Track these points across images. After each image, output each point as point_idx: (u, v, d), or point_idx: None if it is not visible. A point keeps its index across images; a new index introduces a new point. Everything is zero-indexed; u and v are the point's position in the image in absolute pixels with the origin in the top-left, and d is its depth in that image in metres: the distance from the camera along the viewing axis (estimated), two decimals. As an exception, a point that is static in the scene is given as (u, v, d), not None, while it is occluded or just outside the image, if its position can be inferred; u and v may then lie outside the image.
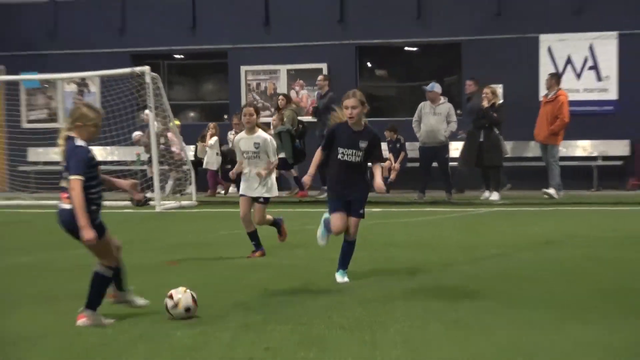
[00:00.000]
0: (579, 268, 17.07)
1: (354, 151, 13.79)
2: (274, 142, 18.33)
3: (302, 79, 35.52)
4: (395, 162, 33.69)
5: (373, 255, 18.30)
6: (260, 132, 18.09)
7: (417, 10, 34.71)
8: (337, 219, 13.90)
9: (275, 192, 18.34)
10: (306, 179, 14.15)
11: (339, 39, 34.93)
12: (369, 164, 14.24)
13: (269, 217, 18.59)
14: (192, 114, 39.32)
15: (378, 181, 13.79)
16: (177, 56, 37.06)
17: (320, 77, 33.05)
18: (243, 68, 35.85)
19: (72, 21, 36.85)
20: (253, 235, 18.45)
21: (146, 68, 30.67)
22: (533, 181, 32.02)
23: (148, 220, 27.96)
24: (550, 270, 16.78)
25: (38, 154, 36.62)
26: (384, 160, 16.04)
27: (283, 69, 35.68)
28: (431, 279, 15.05)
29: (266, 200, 18.03)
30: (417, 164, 32.12)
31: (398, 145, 33.96)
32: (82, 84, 36.45)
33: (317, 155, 14.09)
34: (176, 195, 32.24)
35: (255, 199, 17.95)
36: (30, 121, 37.02)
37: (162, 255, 20.09)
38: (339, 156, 13.88)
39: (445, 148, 30.84)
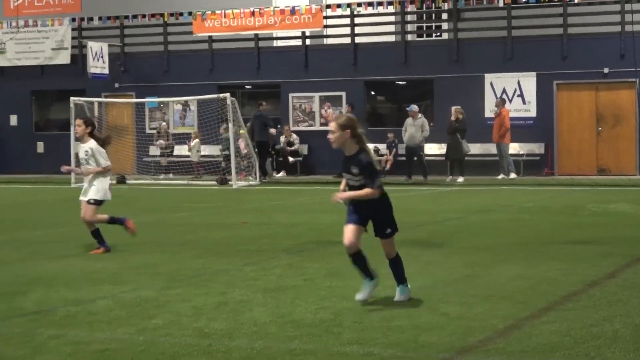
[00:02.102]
0: (508, 226, 17.91)
1: (350, 176, 9.88)
2: None
3: (329, 101, 35.58)
4: (390, 155, 34.16)
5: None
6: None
7: (404, 58, 34.86)
8: (347, 232, 9.79)
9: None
10: (337, 196, 9.99)
11: (352, 76, 35.06)
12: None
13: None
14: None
15: (341, 192, 10.06)
16: (247, 87, 37.27)
17: (347, 107, 33.54)
18: (290, 95, 35.94)
19: (178, 63, 36.97)
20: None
21: (227, 95, 31.34)
22: (487, 169, 32.35)
23: (228, 193, 28.48)
24: (490, 228, 17.52)
25: (155, 149, 36.68)
26: (376, 187, 9.64)
27: (316, 95, 35.70)
28: (409, 233, 15.43)
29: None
30: (404, 158, 32.79)
31: (393, 144, 34.36)
32: (185, 104, 36.53)
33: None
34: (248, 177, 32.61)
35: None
36: (151, 128, 37.16)
37: (236, 217, 20.73)
38: (346, 180, 10.09)
39: (421, 147, 31.60)
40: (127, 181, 32.54)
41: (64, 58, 37.68)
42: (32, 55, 38.18)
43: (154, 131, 36.63)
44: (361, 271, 10.05)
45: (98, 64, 36.37)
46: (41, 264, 13.53)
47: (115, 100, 36.60)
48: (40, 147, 37.89)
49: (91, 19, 38.02)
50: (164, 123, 36.76)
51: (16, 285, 11.61)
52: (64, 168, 16.59)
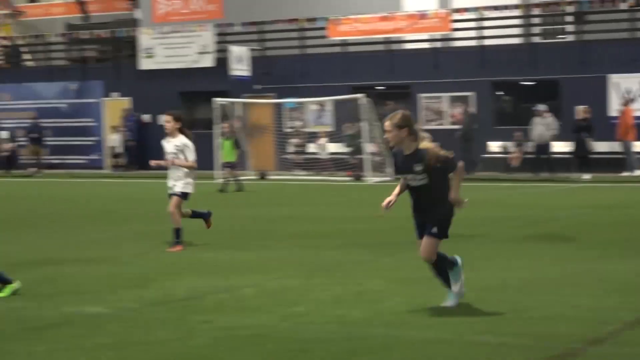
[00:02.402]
0: (637, 221, 17.40)
1: (413, 175, 9.04)
2: None
3: (457, 101, 35.13)
4: (518, 153, 33.46)
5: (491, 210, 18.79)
6: None
7: (531, 59, 34.33)
8: (418, 246, 9.25)
9: None
10: (385, 202, 9.44)
11: (480, 77, 34.67)
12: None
13: None
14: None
15: (452, 195, 9.08)
16: (379, 87, 37.19)
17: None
18: (420, 95, 35.70)
19: (314, 66, 37.11)
20: None
21: (362, 95, 31.39)
22: (612, 167, 31.62)
23: (363, 188, 28.51)
24: (618, 223, 17.33)
25: (296, 146, 36.89)
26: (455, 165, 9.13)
27: (445, 95, 35.40)
28: (541, 228, 15.32)
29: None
30: (532, 155, 32.42)
31: (521, 142, 33.62)
32: (321, 104, 36.63)
33: (401, 180, 9.42)
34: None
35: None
36: (288, 127, 37.26)
37: (372, 210, 20.76)
38: (406, 181, 9.28)
39: (549, 145, 31.36)
40: (268, 177, 32.84)
41: (208, 61, 38.21)
42: (178, 59, 38.77)
43: (292, 130, 36.85)
44: (443, 281, 9.34)
45: (240, 66, 36.78)
46: (193, 253, 13.79)
47: (256, 101, 36.94)
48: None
49: (233, 24, 38.54)
50: (299, 122, 36.96)
51: (169, 273, 11.88)
52: (153, 162, 16.06)
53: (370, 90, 34.55)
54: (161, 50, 38.99)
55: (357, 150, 32.53)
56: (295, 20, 37.34)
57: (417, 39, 37.26)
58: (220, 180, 27.58)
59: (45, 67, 42.96)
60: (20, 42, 44.50)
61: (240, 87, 36.89)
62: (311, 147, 36.25)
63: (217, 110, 33.91)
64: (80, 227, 17.98)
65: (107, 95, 40.32)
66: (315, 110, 36.96)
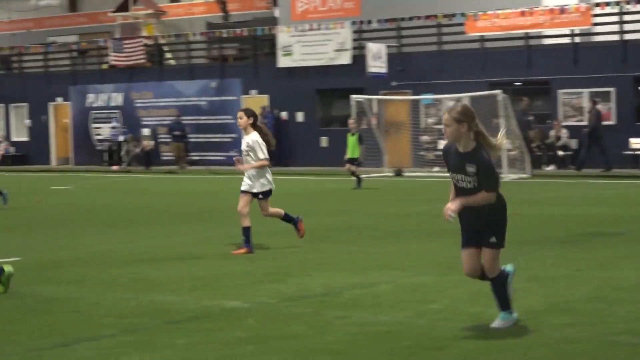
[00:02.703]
0: None
1: (462, 176, 8.02)
2: None
3: (598, 97, 34.42)
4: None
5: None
6: None
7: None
8: (464, 257, 8.22)
9: None
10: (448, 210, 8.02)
11: (622, 72, 33.91)
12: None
13: None
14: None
15: (460, 200, 8.01)
16: (517, 83, 36.73)
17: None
18: (559, 91, 35.13)
19: (451, 62, 36.85)
20: None
21: (499, 91, 31.13)
22: None
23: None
24: None
25: (427, 143, 36.67)
26: (494, 189, 8.01)
27: (586, 91, 34.74)
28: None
29: None
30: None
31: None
32: (458, 101, 36.35)
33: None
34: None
35: None
36: (425, 123, 37.15)
37: (509, 208, 20.50)
38: (454, 182, 8.21)
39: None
40: (404, 174, 32.78)
41: (346, 58, 38.29)
42: (316, 56, 38.95)
43: (424, 127, 36.70)
44: (499, 301, 8.26)
45: (377, 63, 36.78)
46: (328, 250, 13.87)
47: (393, 98, 36.93)
48: (324, 141, 38.68)
49: (370, 21, 38.58)
50: (430, 119, 36.79)
51: (306, 269, 11.98)
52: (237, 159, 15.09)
53: (507, 86, 34.18)
54: (299, 48, 39.25)
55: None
56: (433, 16, 37.22)
57: (556, 34, 36.70)
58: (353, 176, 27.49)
59: (186, 65, 43.79)
60: (162, 41, 45.37)
61: (377, 83, 36.91)
62: (441, 144, 36.03)
63: (353, 107, 34.01)
64: (218, 222, 18.30)
65: (245, 93, 40.80)
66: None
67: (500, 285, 8.17)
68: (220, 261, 12.85)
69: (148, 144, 41.35)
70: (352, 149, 27.07)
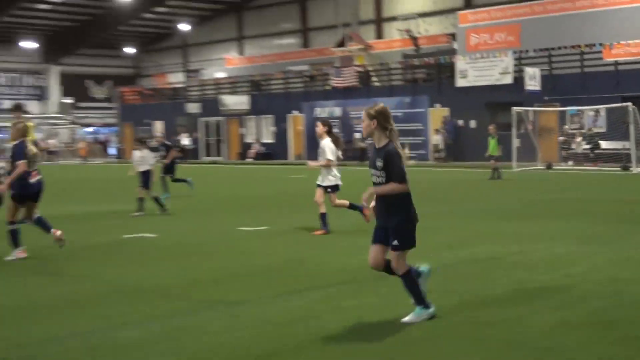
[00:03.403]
0: None
1: (374, 171, 6.61)
2: None
3: None
4: None
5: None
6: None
7: None
8: (370, 251, 6.77)
9: None
10: (364, 198, 6.79)
11: None
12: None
13: None
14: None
15: (372, 190, 6.66)
16: (645, 97, 34.94)
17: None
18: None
19: (591, 81, 35.35)
20: None
21: (629, 104, 29.80)
22: None
23: (629, 177, 26.90)
24: None
25: (575, 144, 35.43)
26: (401, 181, 6.47)
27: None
28: None
29: None
30: None
31: None
32: (596, 112, 34.92)
33: None
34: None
35: None
36: (571, 129, 35.93)
37: (634, 195, 19.49)
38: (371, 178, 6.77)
39: None
40: (553, 167, 31.89)
41: (508, 79, 37.46)
42: (485, 78, 38.26)
43: (574, 131, 35.43)
44: (412, 296, 6.78)
45: (532, 83, 35.88)
46: (491, 225, 13.61)
47: (545, 109, 35.91)
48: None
49: (527, 51, 37.84)
50: (565, 126, 35.55)
51: (475, 239, 11.83)
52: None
53: (637, 99, 32.59)
54: (472, 72, 38.84)
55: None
56: (577, 46, 36.21)
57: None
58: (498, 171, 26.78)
59: (387, 86, 43.82)
60: (369, 68, 45.78)
61: (532, 98, 36.03)
62: (573, 145, 34.79)
63: (514, 116, 33.39)
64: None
65: (431, 106, 40.62)
66: (591, 116, 35.42)
67: (408, 282, 6.73)
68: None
69: (361, 145, 41.70)
70: (493, 148, 26.70)
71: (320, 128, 12.89)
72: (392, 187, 6.50)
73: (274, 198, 20.39)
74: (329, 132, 12.86)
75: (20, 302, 7.96)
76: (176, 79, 64.94)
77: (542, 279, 8.48)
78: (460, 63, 39.45)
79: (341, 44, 50.03)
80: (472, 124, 39.13)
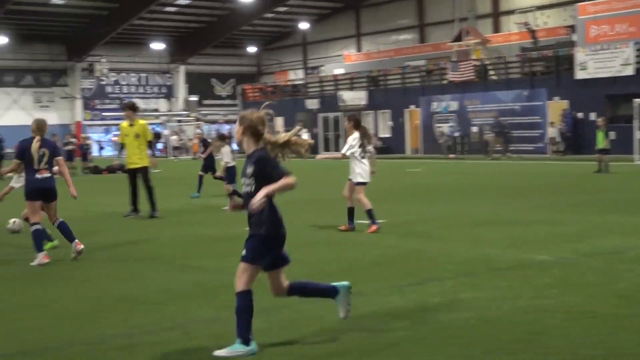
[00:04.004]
0: None
1: (244, 179, 5.75)
2: None
3: None
4: None
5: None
6: None
7: None
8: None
9: None
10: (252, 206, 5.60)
11: None
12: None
13: None
14: None
15: (255, 198, 5.54)
16: None
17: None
18: None
19: None
20: None
21: None
22: None
23: None
24: None
25: None
26: (285, 174, 5.62)
27: None
28: None
29: None
30: None
31: None
32: None
33: None
34: None
35: None
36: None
37: None
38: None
39: None
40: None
41: (629, 71, 36.15)
42: (605, 69, 37.05)
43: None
44: (237, 323, 5.63)
45: (655, 73, 34.59)
46: (611, 220, 13.12)
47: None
48: (611, 135, 36.53)
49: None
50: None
51: (598, 232, 11.44)
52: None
53: None
54: (592, 64, 37.71)
55: None
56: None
57: None
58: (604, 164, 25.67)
59: (504, 79, 42.91)
60: (487, 62, 44.92)
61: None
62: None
63: (636, 108, 32.02)
64: (527, 196, 17.79)
65: (550, 99, 39.55)
66: None
67: (239, 301, 5.61)
68: (536, 225, 12.41)
69: (480, 138, 40.97)
70: (600, 141, 25.62)
71: (346, 124, 12.63)
72: (284, 182, 5.65)
73: (391, 191, 20.28)
74: (357, 127, 12.44)
75: (148, 291, 8.21)
76: (296, 76, 65.76)
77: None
78: (580, 55, 38.31)
79: (458, 38, 49.33)
80: (592, 116, 37.76)
